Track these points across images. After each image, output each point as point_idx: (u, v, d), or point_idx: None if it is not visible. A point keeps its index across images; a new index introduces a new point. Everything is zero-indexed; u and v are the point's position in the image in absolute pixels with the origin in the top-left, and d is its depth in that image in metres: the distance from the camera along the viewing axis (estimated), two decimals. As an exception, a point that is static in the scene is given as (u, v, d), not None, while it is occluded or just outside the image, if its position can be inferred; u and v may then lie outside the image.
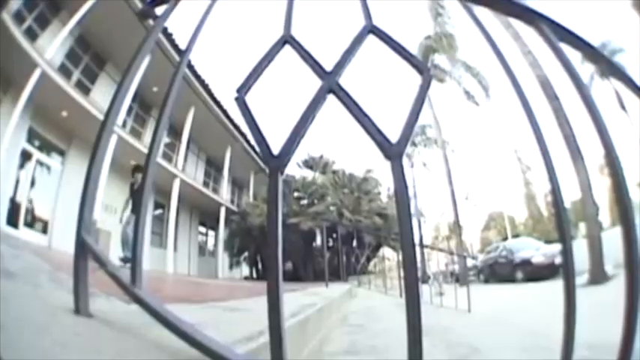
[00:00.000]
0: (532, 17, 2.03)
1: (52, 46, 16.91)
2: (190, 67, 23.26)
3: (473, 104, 37.63)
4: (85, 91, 19.39)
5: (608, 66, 2.35)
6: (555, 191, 1.76)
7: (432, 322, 8.94)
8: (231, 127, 30.02)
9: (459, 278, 23.10)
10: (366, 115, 1.58)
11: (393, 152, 1.49)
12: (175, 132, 26.59)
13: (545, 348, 4.38)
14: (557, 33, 2.01)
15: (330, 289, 13.83)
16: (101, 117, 2.46)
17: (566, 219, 1.74)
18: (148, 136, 22.61)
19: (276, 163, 1.58)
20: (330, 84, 1.66)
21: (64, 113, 18.13)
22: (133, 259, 2.04)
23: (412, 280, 1.48)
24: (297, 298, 7.13)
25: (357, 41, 1.78)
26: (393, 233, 29.69)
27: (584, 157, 13.86)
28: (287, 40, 1.89)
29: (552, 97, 15.99)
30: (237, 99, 1.80)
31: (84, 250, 2.13)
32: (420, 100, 1.63)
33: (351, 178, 37.42)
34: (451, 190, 34.56)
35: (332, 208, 33.48)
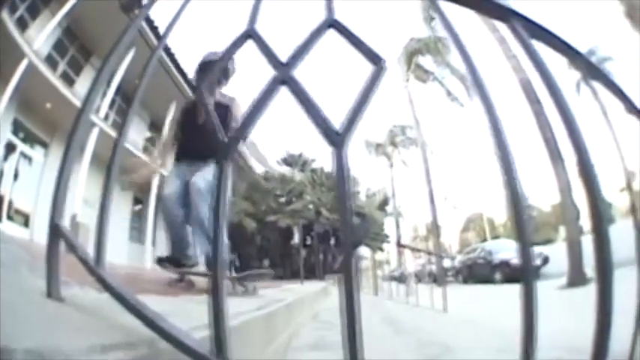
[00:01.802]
0: (504, 14, 1.96)
1: (40, 37, 16.85)
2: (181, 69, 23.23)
3: (456, 105, 37.94)
4: (70, 82, 19.28)
5: (586, 66, 2.27)
6: (513, 188, 1.79)
7: (407, 321, 8.99)
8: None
9: (437, 278, 23.24)
10: (314, 105, 1.63)
11: (335, 140, 1.54)
12: (156, 127, 26.50)
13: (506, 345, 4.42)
14: (530, 31, 1.94)
15: (305, 286, 13.89)
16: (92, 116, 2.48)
17: (526, 217, 1.76)
18: (130, 130, 22.53)
19: (225, 150, 1.65)
20: (284, 76, 1.71)
21: (48, 105, 18.03)
22: (98, 239, 2.08)
23: (348, 275, 1.51)
24: (269, 295, 7.17)
25: (316, 34, 1.81)
26: (372, 232, 29.80)
27: (564, 160, 14.06)
28: (250, 34, 1.93)
29: (534, 101, 16.15)
30: (194, 89, 1.85)
31: (57, 236, 2.17)
32: (367, 90, 1.66)
33: (329, 177, 37.38)
34: (430, 190, 34.79)
35: (310, 206, 33.45)
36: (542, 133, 16.37)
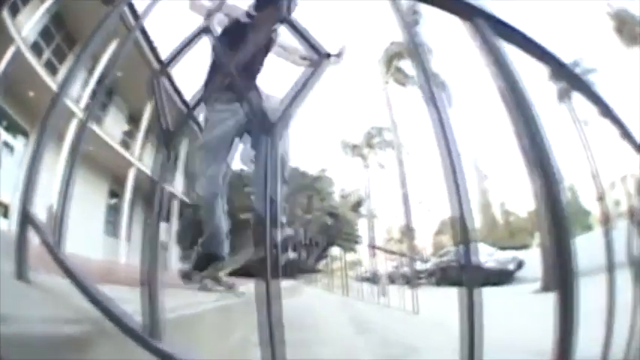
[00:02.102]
0: (468, 11, 1.83)
1: (29, 23, 16.74)
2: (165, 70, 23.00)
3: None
4: (53, 71, 19.10)
5: (557, 68, 2.15)
6: (459, 194, 1.79)
7: (376, 321, 9.06)
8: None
9: (410, 280, 23.36)
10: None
11: (268, 128, 1.61)
12: (135, 120, 26.33)
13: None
14: (497, 30, 1.81)
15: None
16: (67, 101, 2.56)
17: (470, 222, 1.76)
18: (109, 122, 22.40)
19: (168, 138, 1.76)
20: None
21: (32, 93, 17.85)
22: (60, 220, 2.19)
23: (266, 272, 1.57)
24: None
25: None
26: (344, 233, 29.88)
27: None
28: (205, 29, 2.01)
29: (512, 108, 16.34)
30: (153, 79, 1.96)
31: (27, 221, 2.27)
32: (305, 82, 1.70)
33: (304, 176, 37.21)
34: (405, 193, 34.90)
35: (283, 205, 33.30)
36: (518, 140, 16.57)
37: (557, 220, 1.59)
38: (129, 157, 24.74)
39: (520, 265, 24.51)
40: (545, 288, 16.66)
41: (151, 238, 1.79)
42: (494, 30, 1.80)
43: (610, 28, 33.07)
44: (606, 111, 2.38)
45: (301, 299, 14.07)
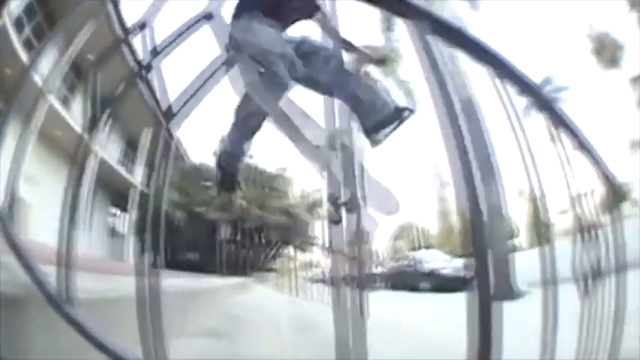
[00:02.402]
0: (403, 10, 2.01)
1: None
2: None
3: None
4: (30, 49, 18.83)
5: (499, 68, 2.41)
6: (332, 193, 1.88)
7: (319, 320, 9.21)
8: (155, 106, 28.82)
9: (362, 284, 23.24)
10: (164, 90, 1.88)
11: (170, 117, 1.80)
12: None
13: (426, 350, 4.67)
14: (436, 31, 1.99)
15: (222, 281, 14.04)
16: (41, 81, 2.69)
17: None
18: (76, 107, 22.20)
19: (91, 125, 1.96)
20: (149, 64, 1.98)
21: (8, 71, 17.53)
22: (11, 199, 2.41)
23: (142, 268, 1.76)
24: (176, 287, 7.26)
25: (191, 27, 2.05)
26: (300, 233, 29.85)
27: (500, 177, 14.32)
28: (143, 25, 2.20)
29: (474, 119, 16.53)
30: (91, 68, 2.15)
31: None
32: (207, 73, 1.88)
33: (262, 173, 36.75)
34: (363, 196, 34.67)
35: (239, 201, 32.94)
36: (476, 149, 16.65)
37: (477, 239, 1.78)
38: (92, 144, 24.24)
39: (477, 274, 24.65)
40: (494, 297, 16.91)
41: (71, 211, 2.02)
42: (434, 31, 2.01)
43: (588, 49, 33.20)
44: (560, 120, 2.55)
45: (251, 297, 14.15)
